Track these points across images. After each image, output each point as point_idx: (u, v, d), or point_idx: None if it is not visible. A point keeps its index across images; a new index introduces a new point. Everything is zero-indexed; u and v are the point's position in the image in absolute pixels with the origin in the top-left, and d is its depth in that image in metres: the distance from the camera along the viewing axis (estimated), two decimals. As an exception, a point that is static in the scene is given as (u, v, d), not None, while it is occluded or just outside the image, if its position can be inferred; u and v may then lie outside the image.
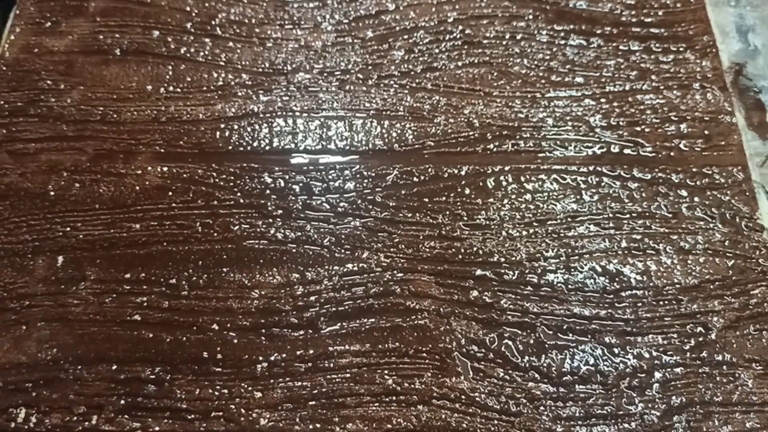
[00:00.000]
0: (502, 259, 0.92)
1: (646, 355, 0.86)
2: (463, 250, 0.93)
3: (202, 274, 0.91)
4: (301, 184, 0.97)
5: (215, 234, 0.93)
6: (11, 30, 1.10)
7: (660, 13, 1.13)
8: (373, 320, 0.88)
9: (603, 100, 1.05)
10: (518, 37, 1.10)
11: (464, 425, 0.82)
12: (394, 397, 0.83)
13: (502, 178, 0.98)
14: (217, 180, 0.98)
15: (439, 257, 0.92)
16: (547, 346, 0.87)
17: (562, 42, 1.10)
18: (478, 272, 0.91)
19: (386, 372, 0.85)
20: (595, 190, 0.98)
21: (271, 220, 0.95)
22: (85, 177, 0.98)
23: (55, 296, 0.89)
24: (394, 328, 0.88)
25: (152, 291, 0.89)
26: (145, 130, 1.01)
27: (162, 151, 1.00)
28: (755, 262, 0.93)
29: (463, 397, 0.83)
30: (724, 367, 0.86)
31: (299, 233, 0.94)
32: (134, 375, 0.84)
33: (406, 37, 1.10)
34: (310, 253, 0.92)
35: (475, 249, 0.93)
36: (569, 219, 0.95)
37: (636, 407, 0.83)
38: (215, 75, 1.06)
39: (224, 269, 0.91)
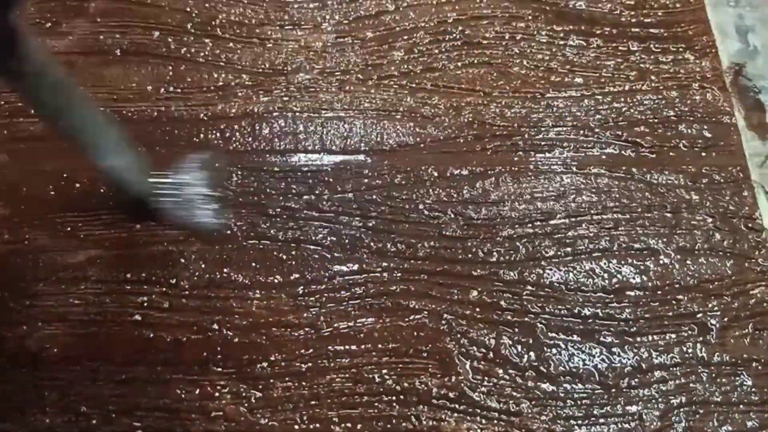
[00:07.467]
0: (502, 259, 0.92)
1: (646, 355, 0.86)
2: (463, 250, 0.93)
3: (203, 274, 0.91)
4: (301, 184, 0.97)
5: (215, 234, 0.93)
6: (11, 30, 1.10)
7: (659, 13, 1.13)
8: (373, 320, 0.88)
9: (603, 100, 1.05)
10: (518, 37, 1.10)
11: (464, 425, 0.82)
12: (394, 397, 0.83)
13: (501, 178, 0.98)
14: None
15: (439, 257, 0.92)
16: (547, 346, 0.87)
17: (562, 42, 1.10)
18: (478, 272, 0.91)
19: (386, 372, 0.85)
20: (595, 190, 0.98)
21: (271, 220, 0.95)
22: (85, 177, 0.97)
23: (55, 296, 0.89)
24: (394, 328, 0.88)
25: (152, 291, 0.89)
26: (145, 130, 1.01)
27: (162, 151, 1.00)
28: (755, 262, 0.93)
29: (463, 397, 0.83)
30: (724, 367, 0.86)
31: (299, 233, 0.94)
32: (134, 375, 0.84)
33: (406, 37, 1.10)
34: (310, 253, 0.92)
35: (475, 249, 0.93)
36: (569, 219, 0.95)
37: (636, 407, 0.84)
38: (215, 75, 1.06)
39: (224, 269, 0.91)
